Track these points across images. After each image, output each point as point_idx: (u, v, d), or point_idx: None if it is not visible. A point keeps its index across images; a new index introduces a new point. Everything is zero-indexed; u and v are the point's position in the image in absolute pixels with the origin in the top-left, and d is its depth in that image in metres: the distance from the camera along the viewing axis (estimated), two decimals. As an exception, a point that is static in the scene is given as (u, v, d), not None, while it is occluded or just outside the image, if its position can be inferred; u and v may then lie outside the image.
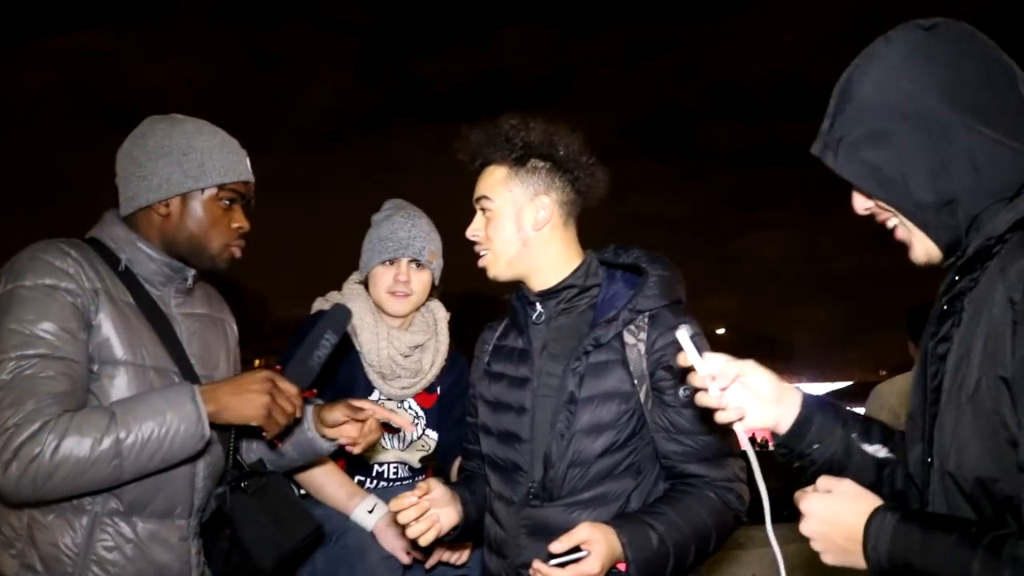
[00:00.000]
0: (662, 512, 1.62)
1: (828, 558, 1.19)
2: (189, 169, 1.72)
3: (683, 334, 1.28)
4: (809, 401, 1.34)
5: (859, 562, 1.13)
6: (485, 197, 1.78)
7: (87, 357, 1.59)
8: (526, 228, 1.75)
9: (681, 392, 1.64)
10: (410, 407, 2.41)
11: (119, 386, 1.61)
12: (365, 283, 2.41)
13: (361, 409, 1.86)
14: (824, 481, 1.19)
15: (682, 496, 1.65)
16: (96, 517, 1.60)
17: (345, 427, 1.86)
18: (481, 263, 1.82)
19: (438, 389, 2.45)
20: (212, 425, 1.59)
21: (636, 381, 1.67)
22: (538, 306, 1.80)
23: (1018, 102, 1.12)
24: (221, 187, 1.75)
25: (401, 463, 2.39)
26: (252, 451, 1.94)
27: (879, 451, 1.34)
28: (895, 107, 1.14)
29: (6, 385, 1.47)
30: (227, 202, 1.77)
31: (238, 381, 1.63)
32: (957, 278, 1.18)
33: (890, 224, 1.23)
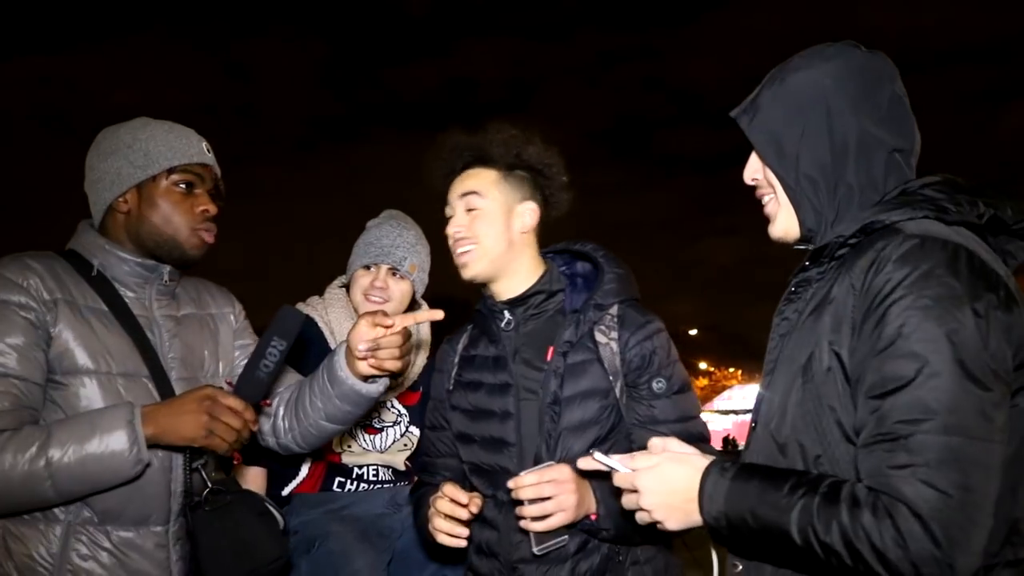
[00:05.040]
0: None
1: (672, 524, 1.25)
2: (136, 160, 1.70)
3: (599, 456, 1.34)
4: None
5: (700, 520, 1.22)
6: (475, 193, 1.80)
7: (41, 372, 1.56)
8: (513, 229, 1.82)
9: (655, 385, 1.73)
10: (392, 406, 2.41)
11: (85, 395, 1.59)
12: (348, 286, 2.43)
13: (384, 314, 1.70)
14: (646, 456, 1.28)
15: None
16: (70, 526, 1.57)
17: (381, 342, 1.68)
18: (462, 259, 1.82)
19: (421, 387, 2.45)
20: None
21: (612, 377, 1.73)
22: (506, 314, 1.83)
23: (909, 145, 1.29)
24: (171, 171, 1.71)
25: (384, 466, 2.37)
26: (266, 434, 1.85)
27: None
28: (814, 97, 1.29)
29: None
30: (184, 186, 1.73)
31: (177, 402, 1.58)
32: (808, 263, 1.32)
33: (765, 199, 1.39)
